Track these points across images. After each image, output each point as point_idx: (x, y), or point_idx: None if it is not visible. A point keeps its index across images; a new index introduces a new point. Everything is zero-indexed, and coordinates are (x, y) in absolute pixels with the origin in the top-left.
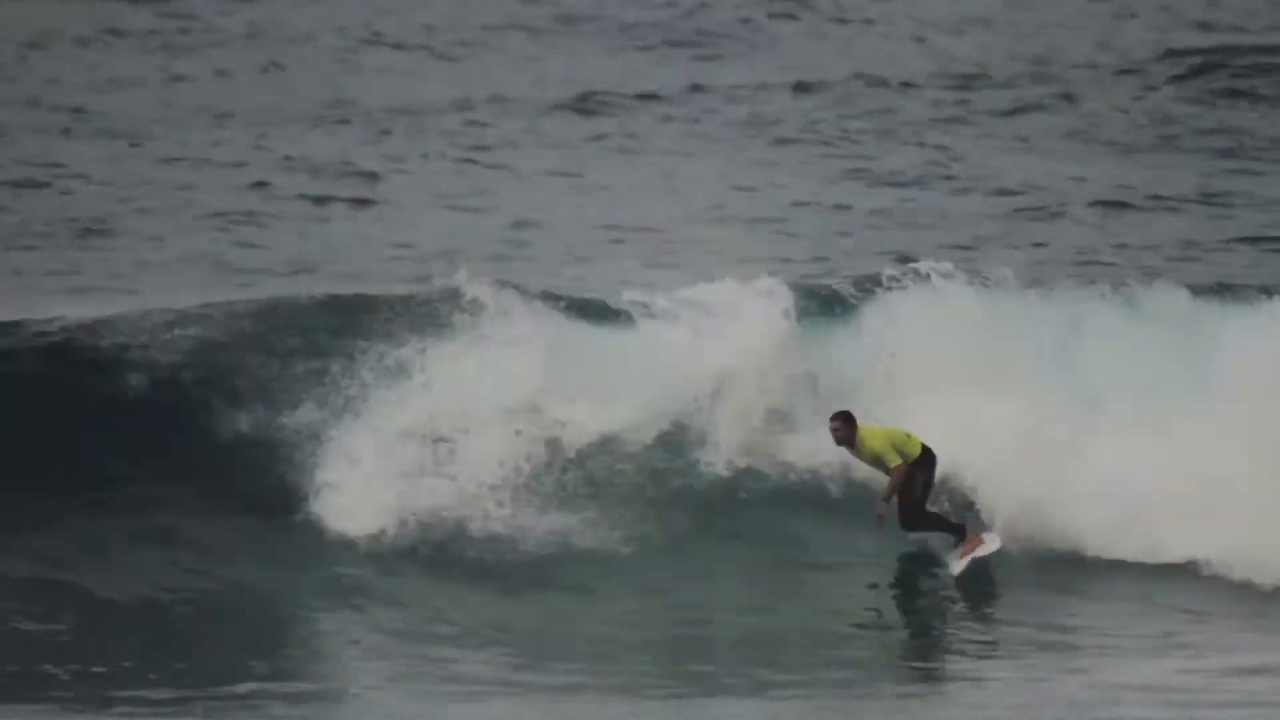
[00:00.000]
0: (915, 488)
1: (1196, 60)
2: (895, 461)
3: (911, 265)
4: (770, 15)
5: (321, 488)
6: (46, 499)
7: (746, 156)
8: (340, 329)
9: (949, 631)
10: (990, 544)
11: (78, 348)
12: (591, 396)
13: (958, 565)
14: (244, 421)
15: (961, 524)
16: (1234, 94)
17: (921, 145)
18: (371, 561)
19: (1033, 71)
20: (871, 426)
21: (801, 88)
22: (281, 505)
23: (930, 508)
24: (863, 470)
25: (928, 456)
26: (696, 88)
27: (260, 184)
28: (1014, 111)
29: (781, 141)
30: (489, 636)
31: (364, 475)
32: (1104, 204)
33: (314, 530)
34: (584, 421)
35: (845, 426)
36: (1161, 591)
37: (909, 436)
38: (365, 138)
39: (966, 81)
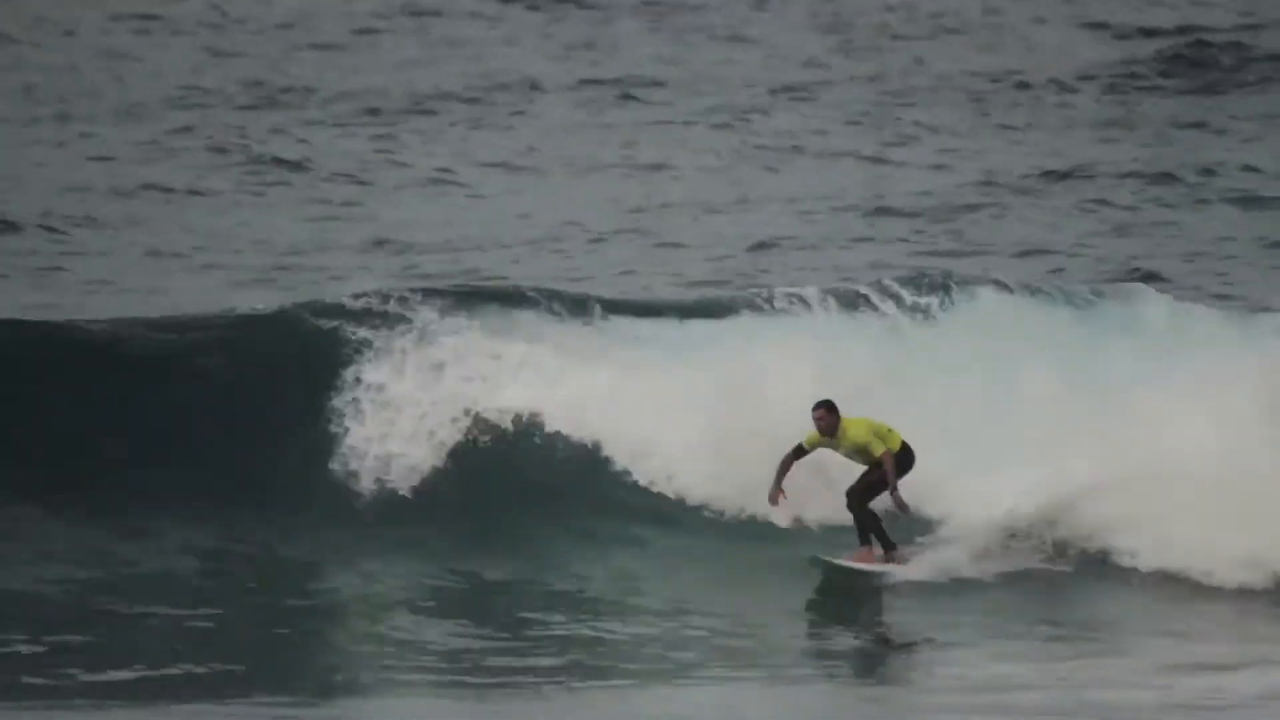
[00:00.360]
0: (874, 476)
1: None
2: (881, 449)
3: None
4: None
5: None
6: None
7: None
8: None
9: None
10: (884, 567)
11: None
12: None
13: (842, 560)
14: None
15: (892, 544)
16: None
17: None
18: None
19: None
20: (853, 417)
21: None
22: None
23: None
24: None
25: (906, 454)
26: None
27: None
28: None
29: None
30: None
31: None
32: None
33: None
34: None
35: (829, 415)
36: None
37: (890, 430)
38: None
39: None
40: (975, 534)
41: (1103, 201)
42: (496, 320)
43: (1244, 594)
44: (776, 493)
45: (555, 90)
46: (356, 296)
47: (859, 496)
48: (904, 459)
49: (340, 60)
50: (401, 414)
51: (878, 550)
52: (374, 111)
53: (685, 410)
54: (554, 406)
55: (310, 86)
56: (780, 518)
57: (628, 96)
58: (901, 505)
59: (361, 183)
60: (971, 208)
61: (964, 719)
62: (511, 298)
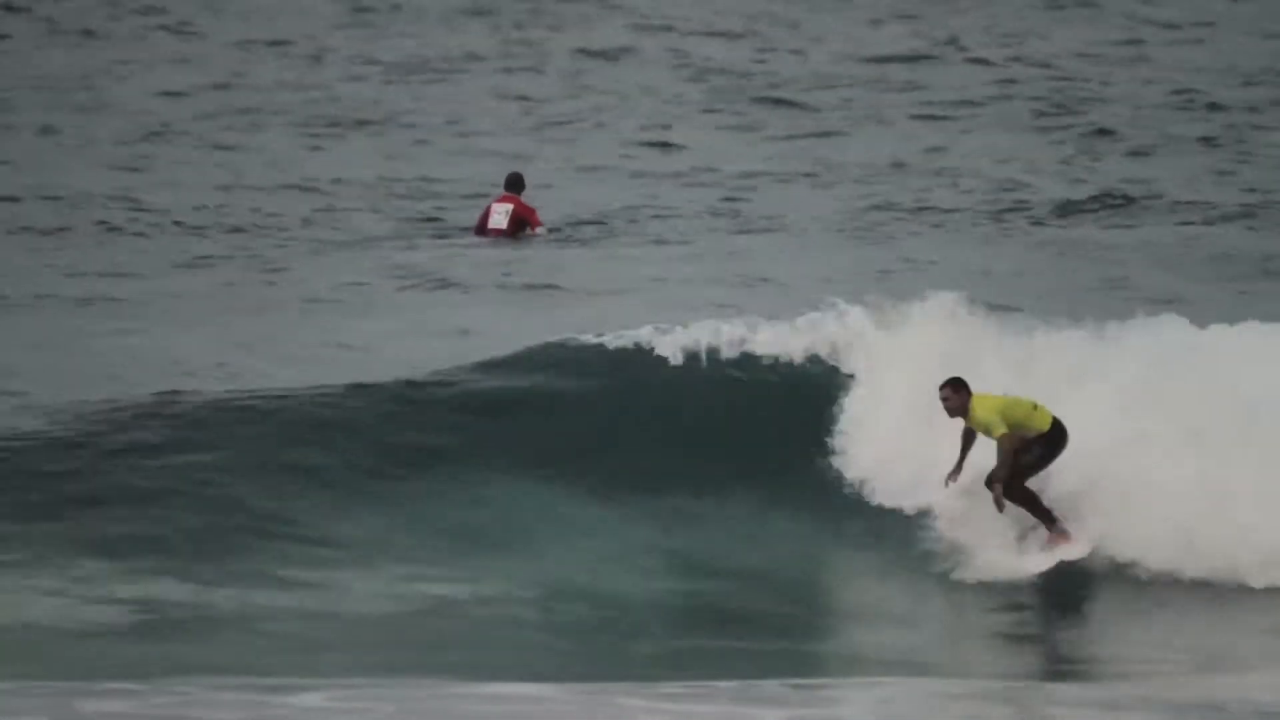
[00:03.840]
0: (1028, 457)
1: None
2: (1001, 430)
3: None
4: None
5: None
6: None
7: None
8: None
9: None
10: (1078, 548)
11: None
12: None
13: (1040, 559)
14: None
15: (1056, 517)
16: None
17: None
18: None
19: None
20: (988, 395)
21: None
22: None
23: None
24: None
25: (1057, 432)
26: None
27: None
28: None
29: None
30: None
31: None
32: None
33: None
34: None
35: (955, 395)
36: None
37: (1036, 408)
38: None
39: None
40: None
41: None
42: None
43: None
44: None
45: None
46: None
47: (1008, 487)
48: (1052, 437)
49: None
50: None
51: (1061, 530)
52: None
53: None
54: None
55: None
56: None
57: None
58: (997, 502)
59: None
60: None
61: None
62: None
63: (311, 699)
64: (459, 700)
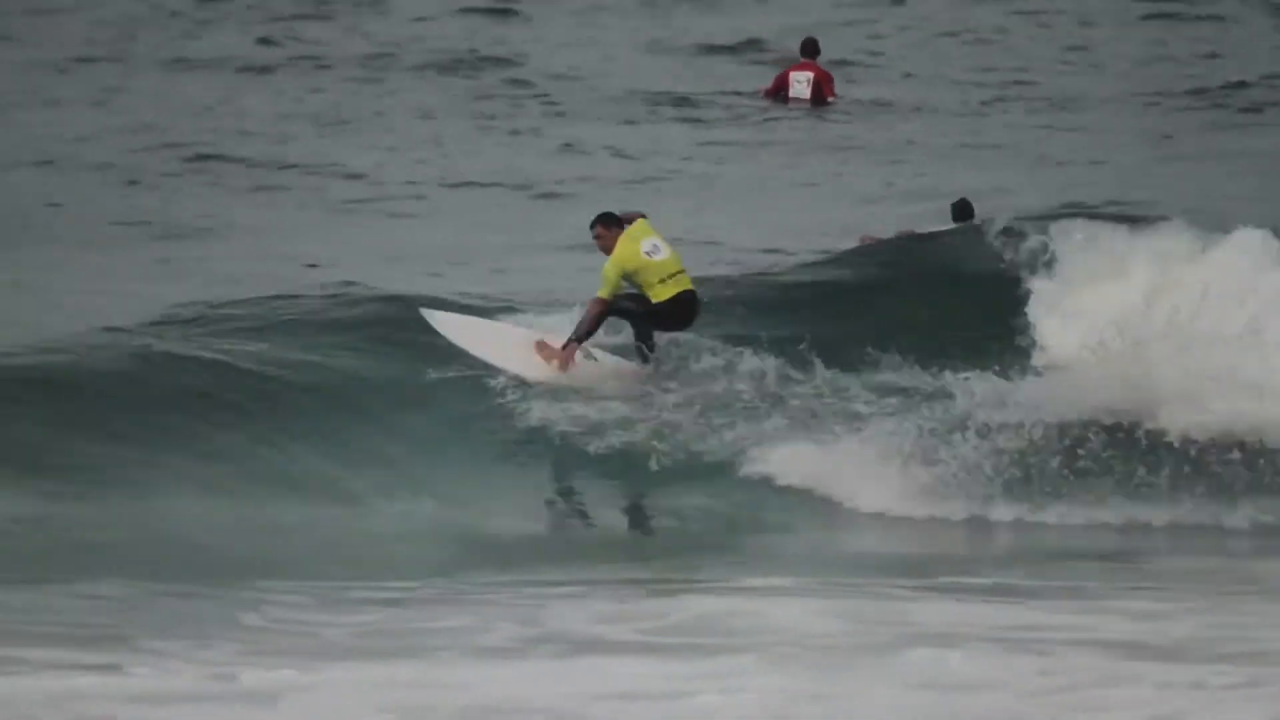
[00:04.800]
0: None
1: None
2: (598, 294)
3: None
4: None
5: None
6: None
7: None
8: None
9: None
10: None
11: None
12: None
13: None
14: None
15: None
16: None
17: None
18: None
19: None
20: (629, 243)
21: None
22: None
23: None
24: None
25: (676, 308)
26: None
27: None
28: None
29: None
30: None
31: None
32: None
33: None
34: None
35: (605, 232)
36: None
37: (670, 277)
38: None
39: None
40: None
41: None
42: None
43: None
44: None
45: None
46: None
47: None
48: (667, 313)
49: None
50: None
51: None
52: None
53: None
54: None
55: None
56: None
57: None
58: (559, 360)
59: None
60: None
61: None
62: None
63: None
64: None
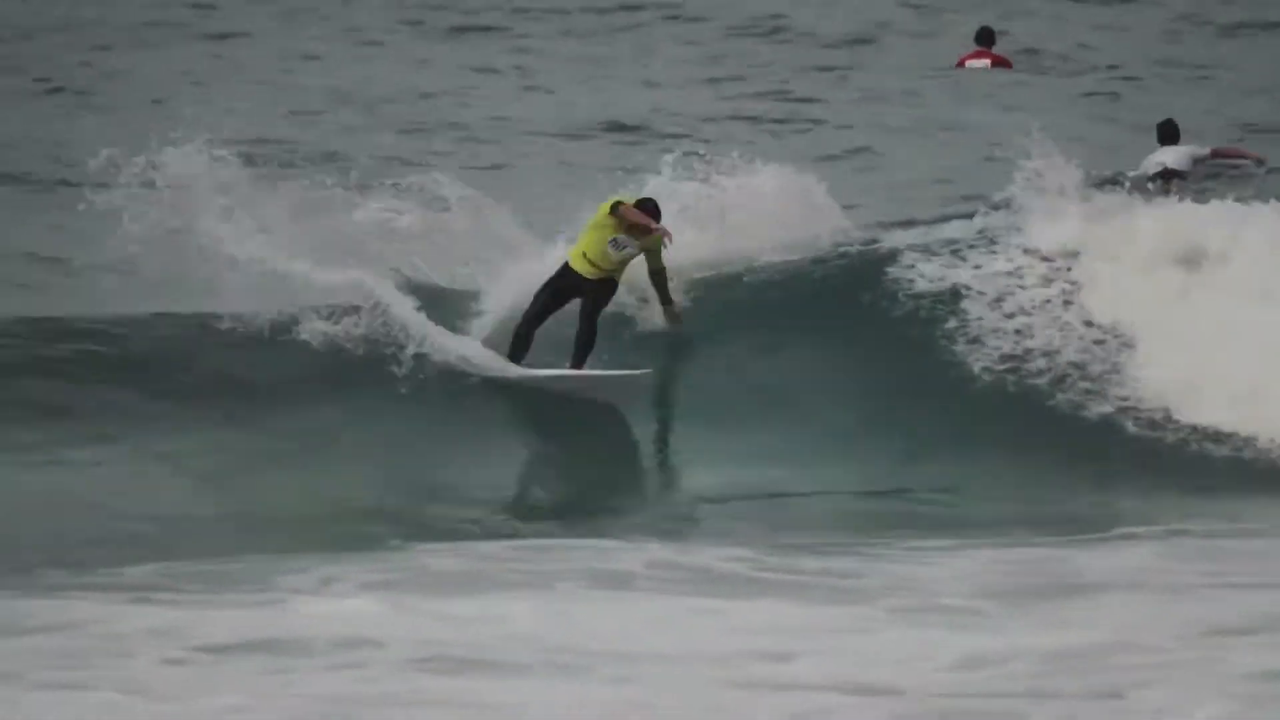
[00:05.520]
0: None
1: None
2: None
3: None
4: None
5: None
6: None
7: None
8: None
9: None
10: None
11: None
12: None
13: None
14: None
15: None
16: None
17: None
18: None
19: None
20: (597, 216)
21: None
22: None
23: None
24: None
25: (565, 280)
26: None
27: None
28: None
29: None
30: None
31: None
32: None
33: None
34: None
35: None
36: None
37: (587, 248)
38: None
39: None
40: None
41: None
42: None
43: None
44: None
45: None
46: None
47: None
48: (558, 275)
49: None
50: None
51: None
52: None
53: None
54: None
55: None
56: None
57: None
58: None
59: None
60: None
61: None
62: None
63: None
64: None
